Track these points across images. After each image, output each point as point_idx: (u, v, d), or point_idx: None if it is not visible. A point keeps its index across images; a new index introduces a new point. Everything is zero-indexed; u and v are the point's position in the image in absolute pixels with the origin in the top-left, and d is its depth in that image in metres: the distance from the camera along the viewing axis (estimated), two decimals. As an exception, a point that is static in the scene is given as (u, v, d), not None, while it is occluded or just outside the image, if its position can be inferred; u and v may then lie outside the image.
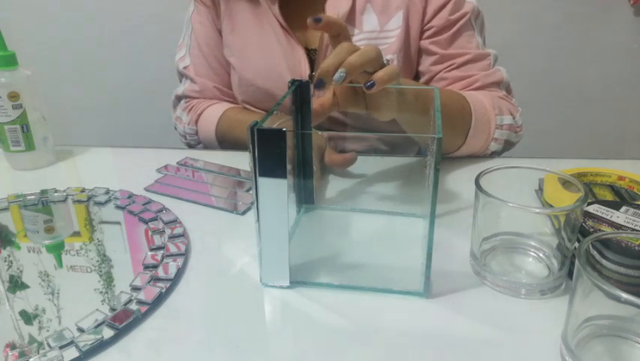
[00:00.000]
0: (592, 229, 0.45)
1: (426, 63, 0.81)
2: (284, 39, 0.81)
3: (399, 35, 0.78)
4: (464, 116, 0.70)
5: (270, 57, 0.82)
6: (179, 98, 0.92)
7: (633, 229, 0.45)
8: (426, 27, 0.80)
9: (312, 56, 0.81)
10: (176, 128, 0.93)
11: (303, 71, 0.80)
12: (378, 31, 0.79)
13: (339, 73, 0.48)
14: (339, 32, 0.54)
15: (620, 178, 0.60)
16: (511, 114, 0.77)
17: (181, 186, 0.67)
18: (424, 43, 0.80)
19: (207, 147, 0.89)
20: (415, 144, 0.85)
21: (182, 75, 0.91)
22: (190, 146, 0.92)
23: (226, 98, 0.90)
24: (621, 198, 0.58)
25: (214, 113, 0.85)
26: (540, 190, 0.58)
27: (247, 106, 0.88)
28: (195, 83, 0.88)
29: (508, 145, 0.77)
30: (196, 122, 0.88)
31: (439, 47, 0.79)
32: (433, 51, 0.80)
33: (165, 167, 0.72)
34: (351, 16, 0.79)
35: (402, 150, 0.89)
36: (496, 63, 0.81)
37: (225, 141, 0.85)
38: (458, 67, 0.79)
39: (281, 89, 0.78)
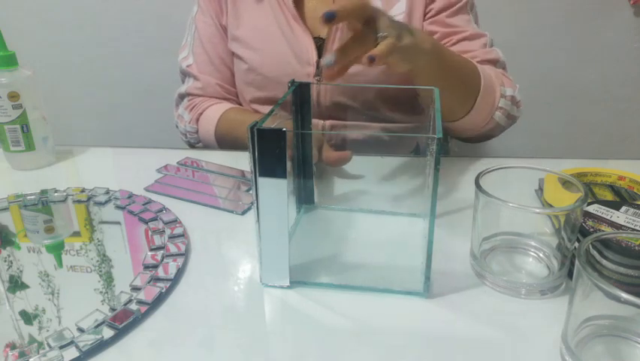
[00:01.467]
0: (592, 229, 0.45)
1: None
2: (288, 28, 0.82)
3: (402, 20, 0.81)
4: (475, 78, 0.71)
5: (275, 46, 0.83)
6: (181, 97, 0.92)
7: (633, 229, 0.45)
8: (427, 10, 0.83)
9: (317, 43, 0.82)
10: (177, 127, 0.93)
11: (311, 58, 0.82)
12: None
13: (328, 57, 0.52)
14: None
15: (620, 178, 0.60)
16: (511, 87, 0.79)
17: (181, 186, 0.67)
18: (425, 24, 0.83)
19: (207, 146, 0.89)
20: (418, 129, 0.87)
21: (185, 74, 0.91)
22: (190, 145, 0.92)
23: (228, 95, 0.91)
24: (621, 198, 0.58)
25: (214, 112, 0.86)
26: (540, 190, 0.58)
27: (254, 96, 0.88)
28: (198, 81, 0.89)
29: (510, 119, 0.78)
30: (197, 120, 0.88)
31: (438, 26, 0.83)
32: (433, 31, 0.83)
33: (165, 167, 0.72)
34: None
35: (403, 140, 0.90)
36: (492, 46, 0.84)
37: (224, 142, 0.86)
38: (456, 42, 0.82)
39: (289, 75, 0.80)
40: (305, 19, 0.83)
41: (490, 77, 0.74)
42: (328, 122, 0.85)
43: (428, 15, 0.83)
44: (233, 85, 0.92)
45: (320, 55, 0.82)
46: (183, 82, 0.92)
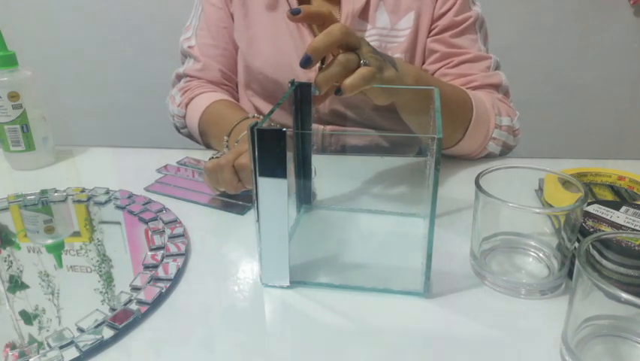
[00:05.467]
0: (592, 229, 0.45)
1: (427, 61, 0.82)
2: (296, 31, 0.81)
3: (408, 35, 0.80)
4: (465, 110, 0.70)
5: (280, 47, 0.82)
6: (178, 77, 0.90)
7: (633, 229, 0.45)
8: (432, 26, 0.81)
9: None
10: (167, 108, 0.91)
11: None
12: (389, 29, 0.80)
13: (312, 86, 0.49)
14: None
15: (620, 178, 0.60)
16: (509, 117, 0.77)
17: (181, 186, 0.67)
18: (427, 41, 0.82)
19: (192, 133, 0.87)
20: (417, 142, 0.86)
21: (185, 55, 0.89)
22: (176, 129, 0.90)
23: (227, 82, 0.89)
24: (621, 198, 0.58)
25: (204, 101, 0.83)
26: (540, 190, 0.58)
27: (254, 92, 0.87)
28: (199, 62, 0.87)
29: (505, 148, 0.77)
30: (186, 105, 0.86)
31: (440, 45, 0.81)
32: (434, 49, 0.81)
33: (165, 167, 0.72)
34: (364, 11, 0.81)
35: (402, 148, 0.89)
36: (497, 69, 0.82)
37: (205, 135, 0.83)
38: (457, 65, 0.79)
39: (286, 77, 0.79)
40: (312, 25, 0.82)
41: (484, 108, 0.73)
42: (329, 127, 0.85)
43: (432, 32, 0.81)
44: (234, 72, 0.90)
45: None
46: (183, 63, 0.90)
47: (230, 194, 0.62)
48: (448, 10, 0.80)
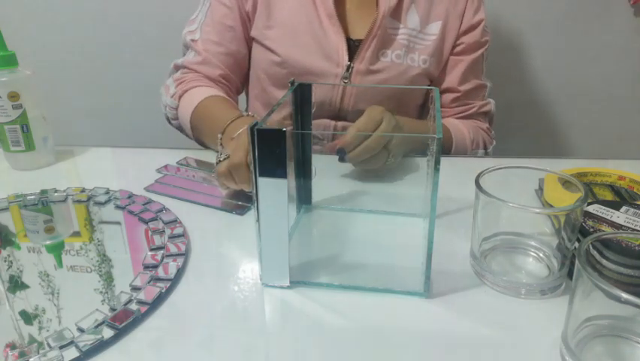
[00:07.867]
0: (592, 229, 0.45)
1: (447, 74, 0.90)
2: (318, 26, 0.81)
3: (434, 41, 0.85)
4: (446, 145, 0.85)
5: (301, 43, 0.82)
6: (176, 68, 0.89)
7: (633, 229, 0.45)
8: (458, 42, 0.88)
9: (350, 44, 0.83)
10: (161, 97, 0.89)
11: (341, 60, 0.82)
12: (418, 31, 0.85)
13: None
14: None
15: (620, 178, 0.60)
16: (486, 148, 0.90)
17: (181, 186, 0.67)
18: (451, 58, 0.89)
19: (183, 126, 0.85)
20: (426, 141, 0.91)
21: (187, 47, 0.88)
22: (167, 120, 0.89)
23: (224, 81, 0.88)
24: (621, 198, 0.58)
25: (198, 95, 0.81)
26: (540, 190, 0.58)
27: (268, 89, 0.88)
28: (199, 56, 0.85)
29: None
30: (180, 97, 0.84)
31: (463, 65, 0.88)
32: (457, 69, 0.89)
33: (165, 167, 0.72)
34: (397, 10, 0.84)
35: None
36: (489, 95, 0.93)
37: (197, 129, 0.81)
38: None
39: (316, 74, 0.81)
40: (342, 19, 0.82)
41: (463, 143, 0.86)
42: (340, 124, 0.85)
43: (458, 49, 0.88)
44: (234, 73, 0.89)
45: (351, 57, 0.82)
46: (184, 55, 0.89)
47: (237, 193, 0.62)
48: (475, 27, 0.87)
